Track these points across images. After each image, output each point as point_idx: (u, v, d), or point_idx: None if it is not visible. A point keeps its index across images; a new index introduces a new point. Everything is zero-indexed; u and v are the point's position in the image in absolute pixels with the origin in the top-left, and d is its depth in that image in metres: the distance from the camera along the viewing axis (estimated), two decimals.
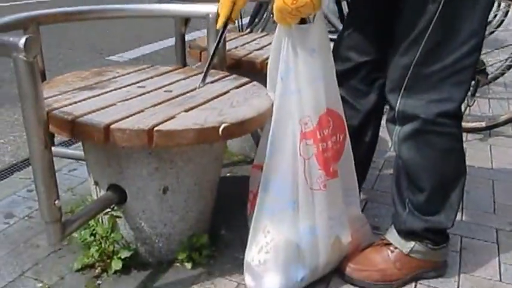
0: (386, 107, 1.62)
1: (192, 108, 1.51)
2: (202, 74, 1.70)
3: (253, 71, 2.08)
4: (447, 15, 1.38)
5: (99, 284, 1.59)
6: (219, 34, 1.65)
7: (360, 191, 1.97)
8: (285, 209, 1.50)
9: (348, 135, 1.60)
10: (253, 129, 1.48)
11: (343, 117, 1.59)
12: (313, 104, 1.47)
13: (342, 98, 1.76)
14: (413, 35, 1.43)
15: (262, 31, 3.83)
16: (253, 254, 1.54)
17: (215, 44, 1.69)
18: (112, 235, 1.64)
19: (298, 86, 1.45)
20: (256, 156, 1.70)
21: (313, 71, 1.45)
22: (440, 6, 1.38)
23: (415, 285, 1.65)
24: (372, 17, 1.65)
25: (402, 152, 1.56)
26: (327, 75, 1.49)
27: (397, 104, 1.51)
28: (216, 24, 1.64)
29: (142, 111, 1.47)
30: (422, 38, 1.42)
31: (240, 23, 3.84)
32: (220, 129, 1.39)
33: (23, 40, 1.14)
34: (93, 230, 1.71)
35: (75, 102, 1.51)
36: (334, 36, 1.85)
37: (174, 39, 2.16)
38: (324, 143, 1.50)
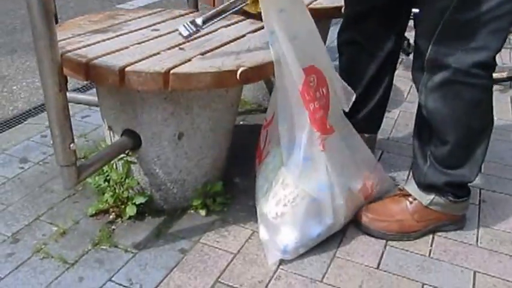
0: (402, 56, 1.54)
1: (208, 52, 1.48)
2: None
3: None
4: None
5: (113, 229, 1.60)
6: None
7: (375, 140, 1.96)
8: (301, 164, 1.46)
9: (328, 84, 1.53)
10: (271, 74, 1.44)
11: (323, 71, 1.50)
12: (297, 64, 1.40)
13: (359, 43, 1.72)
14: None
15: None
16: (270, 206, 1.50)
17: None
18: (127, 181, 1.63)
19: (282, 47, 1.39)
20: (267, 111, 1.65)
21: (288, 30, 1.39)
22: None
23: (433, 238, 1.63)
24: None
25: (428, 102, 1.47)
26: (303, 33, 1.43)
27: (428, 51, 1.41)
28: None
29: (158, 53, 1.43)
30: None
31: None
32: (238, 73, 1.35)
33: None
34: (107, 175, 1.71)
35: (89, 45, 1.47)
36: None
37: None
38: (312, 104, 1.44)
